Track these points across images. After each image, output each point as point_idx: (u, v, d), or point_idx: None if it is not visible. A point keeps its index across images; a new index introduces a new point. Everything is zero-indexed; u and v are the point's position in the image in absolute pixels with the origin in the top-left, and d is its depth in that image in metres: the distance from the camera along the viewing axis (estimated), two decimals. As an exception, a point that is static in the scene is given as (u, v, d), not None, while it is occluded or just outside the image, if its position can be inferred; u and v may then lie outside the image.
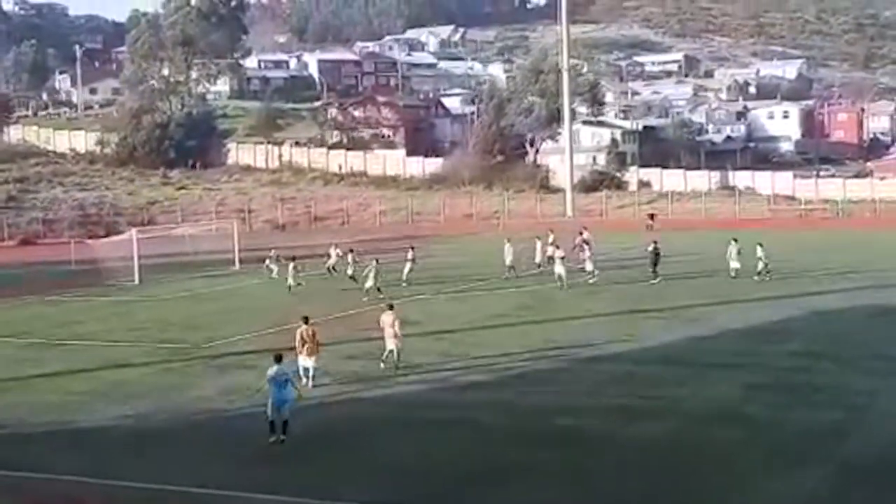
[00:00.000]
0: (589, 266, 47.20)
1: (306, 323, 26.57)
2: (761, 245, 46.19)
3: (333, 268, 51.52)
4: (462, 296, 44.21)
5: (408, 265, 48.35)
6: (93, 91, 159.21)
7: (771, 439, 21.03)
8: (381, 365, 28.47)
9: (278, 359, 22.15)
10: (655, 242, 46.97)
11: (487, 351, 30.80)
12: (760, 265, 45.58)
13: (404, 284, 46.74)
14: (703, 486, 18.60)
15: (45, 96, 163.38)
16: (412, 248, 49.82)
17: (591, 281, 46.28)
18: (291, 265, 48.09)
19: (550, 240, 51.08)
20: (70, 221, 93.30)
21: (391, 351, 28.44)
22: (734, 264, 46.15)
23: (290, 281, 47.21)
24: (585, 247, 48.31)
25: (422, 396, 25.98)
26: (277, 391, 21.64)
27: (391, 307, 29.38)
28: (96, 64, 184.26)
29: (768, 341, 31.85)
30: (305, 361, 26.23)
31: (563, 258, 45.13)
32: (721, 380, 26.61)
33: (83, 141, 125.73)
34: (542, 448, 20.96)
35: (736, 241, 46.94)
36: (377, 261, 44.31)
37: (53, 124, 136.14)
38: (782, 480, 18.59)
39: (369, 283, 42.90)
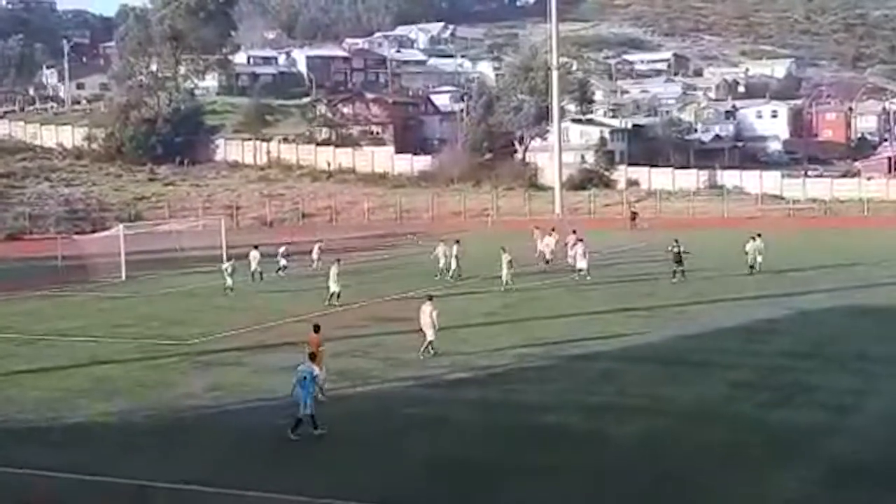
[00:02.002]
0: (583, 265, 47.04)
1: (316, 331, 25.36)
2: (759, 237, 48.09)
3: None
4: (449, 293, 44.00)
5: (454, 261, 48.32)
6: (80, 86, 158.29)
7: (758, 439, 21.03)
8: (431, 353, 29.44)
9: (312, 356, 22.33)
10: (677, 241, 46.77)
11: (474, 348, 30.76)
12: (757, 258, 47.38)
13: (451, 279, 47.15)
14: (689, 485, 18.57)
15: (32, 91, 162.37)
16: (458, 242, 49.50)
17: (588, 278, 46.25)
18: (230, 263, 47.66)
19: (555, 238, 52.05)
20: (57, 217, 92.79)
21: (429, 341, 29.52)
22: (759, 258, 47.65)
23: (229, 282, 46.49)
24: (580, 244, 48.12)
25: (408, 394, 25.92)
26: (299, 387, 21.71)
27: (430, 298, 30.48)
28: (84, 59, 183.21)
29: (755, 340, 31.88)
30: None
31: (510, 261, 44.61)
32: (708, 379, 26.60)
33: (70, 136, 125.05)
34: (529, 446, 20.93)
35: (760, 236, 48.38)
36: (339, 261, 43.60)
37: (40, 119, 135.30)
38: (770, 480, 18.57)
39: (335, 288, 41.46)
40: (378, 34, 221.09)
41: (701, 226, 77.62)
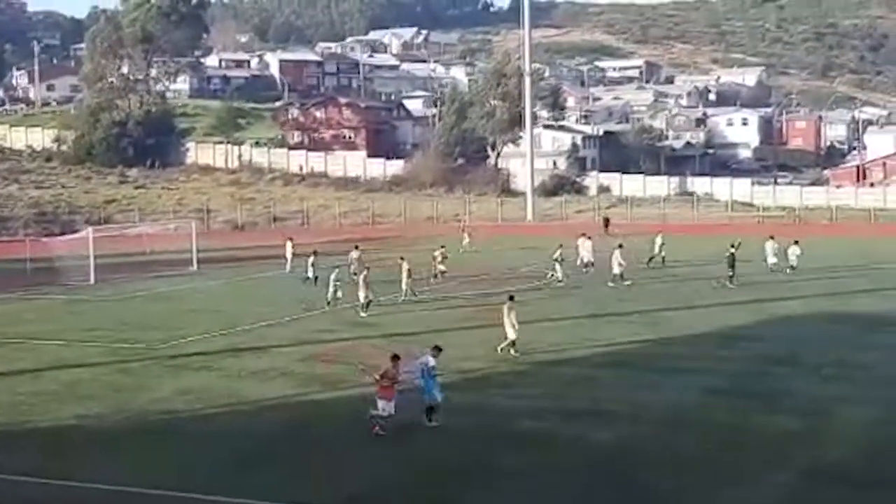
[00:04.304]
0: (617, 270, 46.68)
1: (394, 360, 22.59)
2: (797, 242, 50.43)
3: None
4: (425, 298, 43.78)
5: (558, 268, 47.62)
6: (50, 88, 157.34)
7: (733, 445, 21.02)
8: (498, 350, 29.96)
9: (437, 349, 23.01)
10: (732, 246, 46.72)
11: (451, 353, 30.53)
12: (795, 261, 49.61)
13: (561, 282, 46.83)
14: (661, 492, 18.52)
15: (1, 93, 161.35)
16: (560, 247, 48.58)
17: (626, 283, 46.07)
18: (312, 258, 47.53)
19: (588, 245, 51.65)
20: (26, 219, 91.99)
21: (511, 340, 29.93)
22: (772, 260, 50.07)
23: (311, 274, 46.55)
24: (619, 249, 47.67)
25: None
26: (423, 380, 22.35)
27: (511, 298, 30.84)
28: (54, 60, 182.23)
29: (731, 346, 31.92)
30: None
31: (409, 270, 43.49)
32: (682, 384, 26.59)
33: (40, 138, 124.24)
34: (504, 452, 20.80)
35: (773, 238, 50.74)
36: (368, 269, 41.25)
37: (10, 121, 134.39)
38: (743, 487, 18.55)
39: (363, 296, 39.24)
40: (351, 39, 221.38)
41: (673, 232, 77.72)
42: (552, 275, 48.18)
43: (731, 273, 45.52)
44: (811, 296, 42.31)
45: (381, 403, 21.76)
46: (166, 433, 22.88)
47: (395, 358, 22.51)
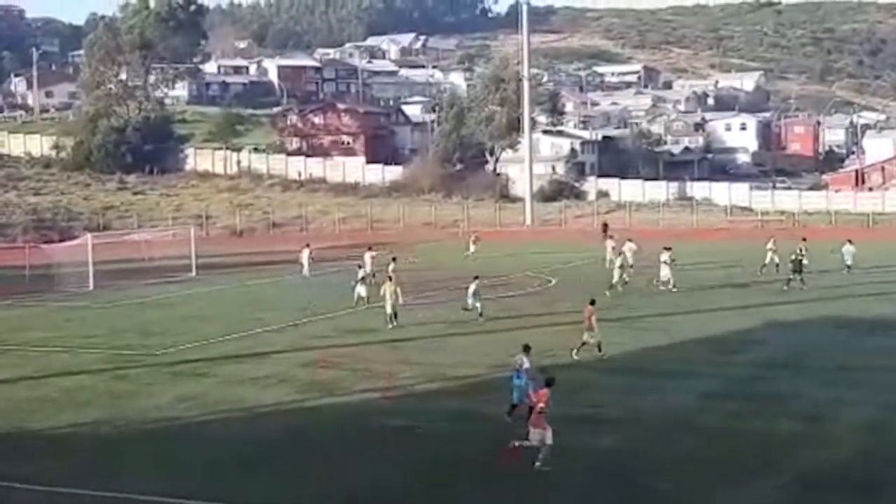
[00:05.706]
0: (665, 274, 46.36)
1: (549, 385, 20.90)
2: (850, 242, 51.94)
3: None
4: (422, 303, 43.74)
5: (667, 270, 46.26)
6: (49, 94, 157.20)
7: (728, 450, 21.04)
8: (574, 356, 30.12)
9: (526, 349, 23.83)
10: (800, 250, 46.65)
11: (448, 359, 30.58)
12: (851, 261, 51.08)
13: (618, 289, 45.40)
14: (661, 494, 18.53)
15: (0, 100, 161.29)
16: (670, 249, 47.30)
17: (674, 289, 45.51)
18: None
19: (617, 247, 52.12)
20: (24, 226, 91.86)
21: (584, 343, 30.45)
22: (804, 262, 49.90)
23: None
24: (666, 253, 46.95)
25: (379, 405, 25.71)
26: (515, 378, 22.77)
27: (592, 302, 31.28)
28: (53, 67, 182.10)
29: (729, 351, 31.95)
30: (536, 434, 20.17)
31: (363, 278, 43.05)
32: (680, 389, 26.60)
33: (39, 145, 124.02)
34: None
35: (804, 239, 50.25)
36: (391, 279, 39.89)
37: (8, 128, 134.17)
38: (739, 491, 18.56)
39: (389, 309, 37.80)
40: (349, 44, 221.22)
41: (671, 237, 77.64)
42: (658, 279, 46.73)
43: (795, 276, 45.60)
44: (808, 300, 42.31)
45: (534, 433, 19.80)
46: (165, 439, 22.88)
47: (550, 383, 20.77)
